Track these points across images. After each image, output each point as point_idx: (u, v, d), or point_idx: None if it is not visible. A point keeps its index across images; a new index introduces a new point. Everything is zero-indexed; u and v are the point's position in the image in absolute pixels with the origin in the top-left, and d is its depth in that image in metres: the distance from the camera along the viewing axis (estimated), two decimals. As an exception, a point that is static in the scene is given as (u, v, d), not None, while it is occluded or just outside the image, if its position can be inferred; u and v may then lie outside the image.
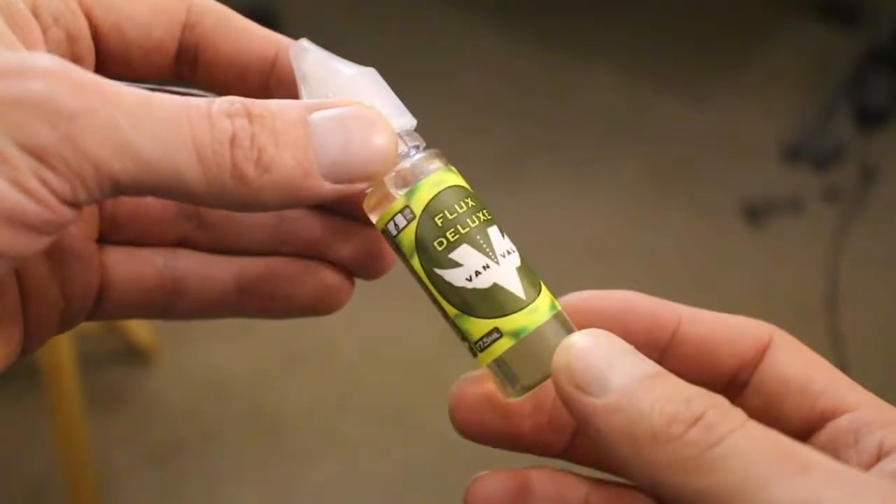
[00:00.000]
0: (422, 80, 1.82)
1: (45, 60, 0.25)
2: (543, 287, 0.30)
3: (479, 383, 0.31)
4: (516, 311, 0.29)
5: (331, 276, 0.35)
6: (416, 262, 0.30)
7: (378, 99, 0.31)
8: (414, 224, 0.29)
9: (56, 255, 0.31)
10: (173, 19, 0.32)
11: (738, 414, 0.25)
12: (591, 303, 0.31)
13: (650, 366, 0.26)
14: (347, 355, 1.45)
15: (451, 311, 0.30)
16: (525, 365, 0.29)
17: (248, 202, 0.27)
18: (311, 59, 0.31)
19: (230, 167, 0.27)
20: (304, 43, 0.32)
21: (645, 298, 0.32)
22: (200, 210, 0.34)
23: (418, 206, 0.30)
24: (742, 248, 1.65)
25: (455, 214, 0.30)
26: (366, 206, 0.31)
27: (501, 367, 0.30)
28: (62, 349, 1.12)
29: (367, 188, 0.30)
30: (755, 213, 1.68)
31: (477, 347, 0.30)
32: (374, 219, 0.31)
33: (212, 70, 0.33)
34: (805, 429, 0.29)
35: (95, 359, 1.37)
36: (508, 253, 0.30)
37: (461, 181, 0.30)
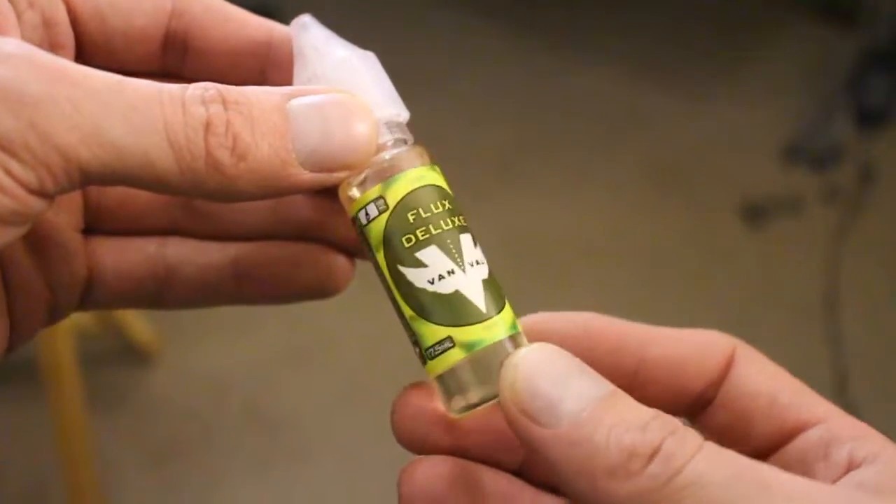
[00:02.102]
0: (421, 79, 1.82)
1: (9, 45, 0.24)
2: (507, 305, 0.29)
3: (424, 393, 0.29)
4: (473, 324, 0.28)
5: (331, 258, 0.33)
6: (380, 256, 0.28)
7: (369, 85, 0.30)
8: (385, 216, 0.28)
9: (38, 246, 0.30)
10: (157, 6, 0.31)
11: (694, 438, 0.24)
12: (553, 325, 0.30)
13: (601, 386, 0.25)
14: (347, 355, 1.45)
15: (408, 312, 0.28)
16: (473, 381, 0.28)
17: (224, 191, 0.26)
18: (308, 36, 0.30)
19: (204, 154, 0.26)
20: (305, 18, 0.31)
21: (606, 321, 0.31)
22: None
23: (393, 198, 0.28)
24: (741, 248, 1.65)
25: (429, 214, 0.28)
26: (341, 194, 0.29)
27: (449, 380, 0.28)
28: (62, 349, 1.12)
29: (347, 177, 0.29)
30: (755, 213, 1.68)
31: (427, 354, 0.28)
32: (346, 207, 0.30)
33: (202, 59, 0.32)
34: (774, 443, 0.29)
35: (95, 359, 1.37)
36: (477, 263, 0.28)
37: (442, 182, 0.29)
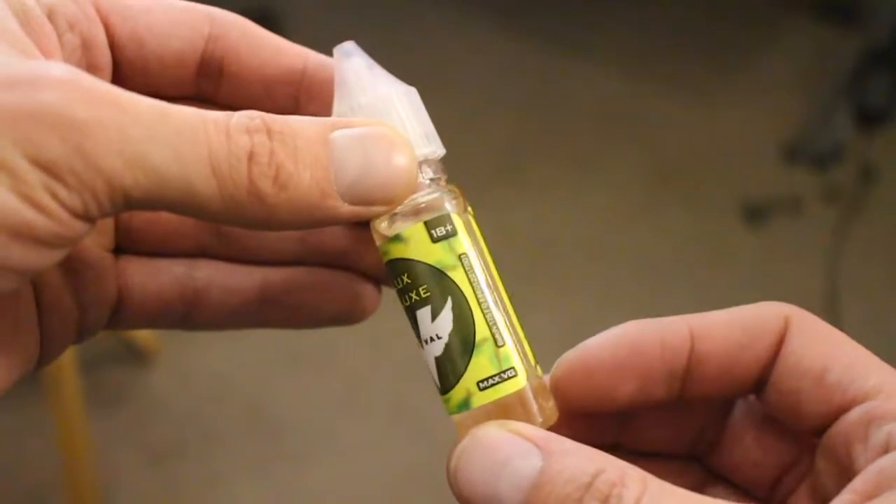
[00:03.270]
0: (421, 79, 1.80)
1: (58, 70, 0.25)
2: (465, 377, 0.29)
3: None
4: (449, 390, 0.29)
5: (359, 287, 0.34)
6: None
7: (411, 121, 0.30)
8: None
9: (70, 265, 0.30)
10: (195, 31, 0.31)
11: (635, 485, 0.25)
12: (591, 359, 0.30)
13: (531, 461, 0.26)
14: (347, 355, 1.45)
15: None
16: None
17: (264, 220, 0.27)
18: (350, 66, 0.30)
19: (247, 184, 0.26)
20: (348, 46, 0.31)
21: (649, 329, 0.30)
22: None
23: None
24: (742, 248, 1.65)
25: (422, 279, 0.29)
26: (373, 225, 0.30)
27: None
28: (62, 349, 1.12)
29: (385, 212, 0.29)
30: (755, 213, 1.68)
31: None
32: (376, 238, 0.30)
33: (237, 84, 0.32)
34: (824, 423, 0.28)
35: (95, 359, 1.37)
36: (435, 339, 0.29)
37: (462, 231, 0.29)
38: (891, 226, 1.68)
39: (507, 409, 0.28)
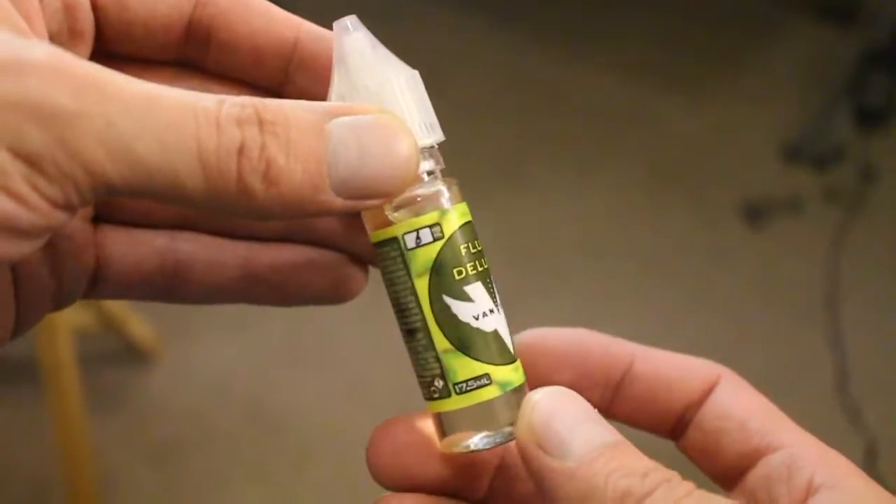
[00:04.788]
0: (421, 80, 1.81)
1: (42, 52, 0.24)
2: None
3: (404, 429, 0.30)
4: (506, 364, 0.28)
5: (347, 268, 0.33)
6: (421, 282, 0.28)
7: (412, 108, 0.29)
8: (439, 244, 0.28)
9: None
10: None
11: (686, 486, 0.26)
12: (546, 340, 0.32)
13: (610, 434, 0.27)
14: (348, 355, 1.45)
15: (442, 344, 0.28)
16: (495, 420, 0.28)
17: (251, 214, 0.26)
18: (352, 43, 0.29)
19: (235, 178, 0.25)
20: (350, 21, 0.30)
21: (598, 336, 0.33)
22: None
23: (449, 227, 0.28)
24: (742, 248, 1.65)
25: (476, 250, 0.28)
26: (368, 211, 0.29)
27: (466, 417, 0.28)
28: (62, 349, 1.12)
29: (381, 204, 0.28)
30: (755, 213, 1.68)
31: (456, 389, 0.28)
32: (372, 222, 0.29)
33: (225, 53, 0.31)
34: (742, 465, 0.31)
35: (95, 359, 1.37)
36: (501, 306, 0.29)
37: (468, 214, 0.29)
38: (891, 226, 1.68)
39: None
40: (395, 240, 0.28)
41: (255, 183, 0.25)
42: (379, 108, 0.28)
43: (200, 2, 0.30)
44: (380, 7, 2.10)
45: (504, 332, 0.29)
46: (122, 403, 1.40)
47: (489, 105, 1.89)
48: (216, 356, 1.44)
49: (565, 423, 0.27)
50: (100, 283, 0.32)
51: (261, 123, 0.25)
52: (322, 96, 0.30)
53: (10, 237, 0.24)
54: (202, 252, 0.32)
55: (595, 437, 0.27)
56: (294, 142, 0.26)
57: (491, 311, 0.28)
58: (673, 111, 1.87)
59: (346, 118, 0.27)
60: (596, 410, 0.28)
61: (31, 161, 0.23)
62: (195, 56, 0.31)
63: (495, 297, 0.29)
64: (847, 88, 1.86)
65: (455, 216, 0.28)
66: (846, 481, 0.28)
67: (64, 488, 1.19)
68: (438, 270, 0.28)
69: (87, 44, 0.30)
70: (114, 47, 0.30)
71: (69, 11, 0.29)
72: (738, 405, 0.31)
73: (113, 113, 0.24)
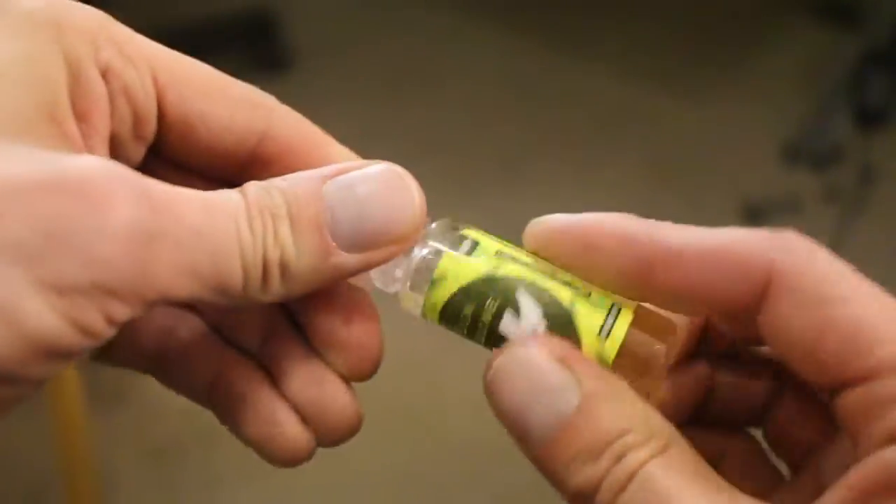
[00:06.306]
0: (422, 81, 1.82)
1: (128, 184, 0.23)
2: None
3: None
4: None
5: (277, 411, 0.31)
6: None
7: None
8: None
9: None
10: (250, 129, 0.29)
11: (656, 447, 0.24)
12: (596, 217, 0.30)
13: (569, 397, 0.25)
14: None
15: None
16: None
17: (271, 300, 0.26)
18: None
19: (262, 271, 0.25)
20: None
21: (622, 220, 0.30)
22: None
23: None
24: (742, 248, 1.65)
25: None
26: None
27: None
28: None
29: (400, 251, 0.28)
30: (755, 213, 1.68)
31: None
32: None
33: (271, 175, 0.29)
34: (824, 387, 0.26)
35: (95, 359, 1.37)
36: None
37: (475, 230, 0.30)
38: (891, 226, 1.68)
39: (638, 342, 0.28)
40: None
41: (274, 272, 0.26)
42: (374, 161, 0.28)
43: (267, 136, 0.30)
44: (380, 8, 2.10)
45: None
46: (122, 403, 1.39)
47: (489, 104, 1.89)
48: (216, 356, 1.44)
49: (520, 398, 0.26)
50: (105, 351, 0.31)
51: (274, 216, 0.26)
52: None
53: (57, 360, 0.23)
54: (192, 347, 0.32)
55: (549, 417, 0.25)
56: (296, 217, 0.26)
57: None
58: (673, 111, 1.87)
59: (339, 178, 0.27)
60: (566, 346, 0.26)
61: (112, 291, 0.23)
62: (242, 179, 0.30)
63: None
64: (847, 88, 1.86)
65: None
66: None
67: (63, 488, 1.19)
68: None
69: (143, 149, 0.29)
70: (166, 156, 0.30)
71: (137, 121, 0.28)
72: (801, 326, 0.25)
73: (182, 236, 0.24)
